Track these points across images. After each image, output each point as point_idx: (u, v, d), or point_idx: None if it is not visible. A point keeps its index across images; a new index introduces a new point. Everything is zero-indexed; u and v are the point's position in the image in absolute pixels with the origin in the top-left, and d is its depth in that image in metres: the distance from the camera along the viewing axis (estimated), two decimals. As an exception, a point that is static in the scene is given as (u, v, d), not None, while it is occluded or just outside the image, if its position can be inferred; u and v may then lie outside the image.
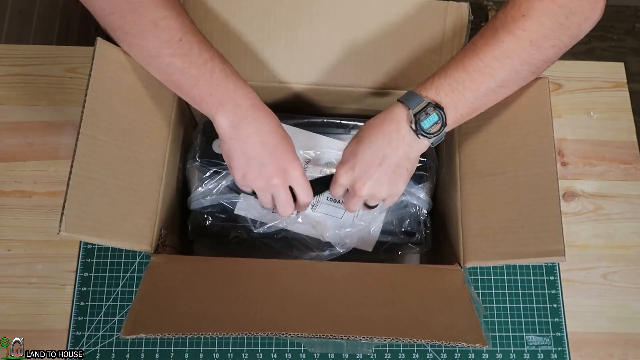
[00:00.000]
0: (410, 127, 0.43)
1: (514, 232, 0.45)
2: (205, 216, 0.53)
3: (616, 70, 0.69)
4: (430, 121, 0.43)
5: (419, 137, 0.44)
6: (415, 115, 0.43)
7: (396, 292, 0.45)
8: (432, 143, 0.45)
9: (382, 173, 0.45)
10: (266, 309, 0.41)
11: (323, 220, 0.53)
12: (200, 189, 0.53)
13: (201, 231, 0.53)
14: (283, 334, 0.37)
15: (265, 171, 0.45)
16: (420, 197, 0.54)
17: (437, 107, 0.43)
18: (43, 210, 0.60)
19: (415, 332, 0.39)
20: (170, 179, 0.50)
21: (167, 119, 0.50)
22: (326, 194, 0.53)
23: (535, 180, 0.46)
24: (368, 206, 0.50)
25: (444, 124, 0.43)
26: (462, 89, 0.43)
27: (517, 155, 0.47)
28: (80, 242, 0.59)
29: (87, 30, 1.24)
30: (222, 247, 0.54)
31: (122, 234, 0.44)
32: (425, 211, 0.55)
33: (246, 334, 0.37)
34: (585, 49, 1.40)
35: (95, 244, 0.59)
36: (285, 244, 0.53)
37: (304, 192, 0.47)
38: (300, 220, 0.53)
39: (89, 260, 0.59)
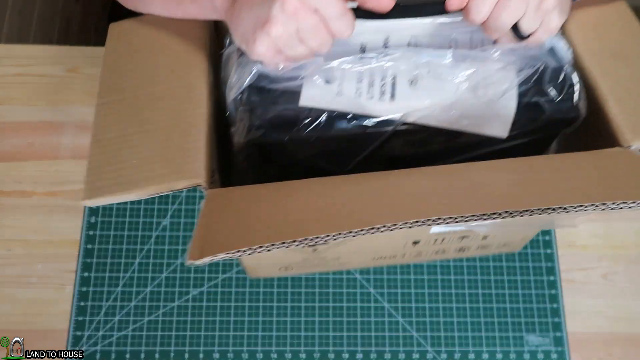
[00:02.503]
0: None
1: None
2: (251, 108, 0.37)
3: (616, 70, 0.69)
4: None
5: None
6: None
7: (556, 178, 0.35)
8: None
9: None
10: (373, 207, 0.33)
11: (428, 96, 0.37)
12: (240, 67, 0.38)
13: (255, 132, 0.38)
14: (416, 222, 0.30)
15: (279, 9, 0.33)
16: (559, 45, 0.39)
17: None
18: (43, 210, 0.60)
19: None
20: (207, 110, 0.41)
21: (198, 54, 0.42)
22: (429, 66, 0.37)
23: None
24: (516, 33, 0.37)
25: None
26: None
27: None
28: (80, 242, 0.59)
29: (87, 30, 1.24)
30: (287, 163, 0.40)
31: (157, 178, 0.36)
32: (570, 65, 0.39)
33: (347, 232, 0.30)
34: (585, 49, 1.39)
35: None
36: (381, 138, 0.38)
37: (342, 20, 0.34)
38: (393, 106, 0.37)
39: (89, 260, 0.59)
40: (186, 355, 0.56)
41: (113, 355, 0.56)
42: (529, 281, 0.59)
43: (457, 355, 0.57)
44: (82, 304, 0.57)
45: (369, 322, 0.57)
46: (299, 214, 0.33)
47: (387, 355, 0.57)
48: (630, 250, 0.62)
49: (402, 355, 0.57)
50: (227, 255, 0.30)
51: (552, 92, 0.37)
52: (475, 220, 0.30)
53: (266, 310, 0.58)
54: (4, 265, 0.58)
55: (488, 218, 0.30)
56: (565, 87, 0.37)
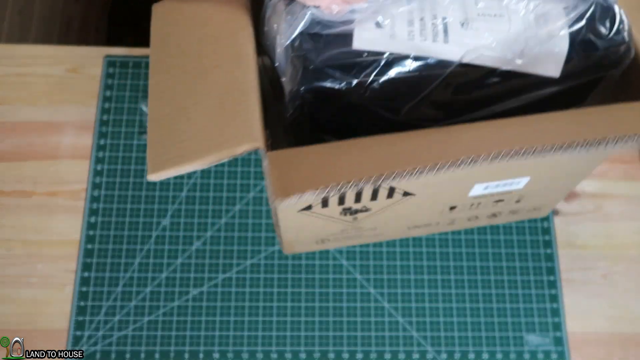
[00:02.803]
0: None
1: None
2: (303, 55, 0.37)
3: (616, 70, 0.69)
4: None
5: None
6: None
7: None
8: None
9: None
10: (436, 151, 0.33)
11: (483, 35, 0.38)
12: (290, 15, 0.38)
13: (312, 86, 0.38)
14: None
15: None
16: None
17: None
18: (43, 210, 0.60)
19: None
20: (256, 76, 0.41)
21: (241, 19, 0.42)
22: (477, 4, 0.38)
23: None
24: None
25: None
26: None
27: None
28: (80, 242, 0.59)
29: (87, 30, 1.24)
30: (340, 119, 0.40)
31: (217, 146, 0.36)
32: (616, 3, 0.39)
33: (420, 169, 0.31)
34: (585, 49, 1.39)
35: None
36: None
37: None
38: (447, 47, 0.37)
39: (89, 260, 0.59)
40: (186, 355, 0.56)
41: (113, 355, 0.56)
42: (529, 281, 0.59)
43: (457, 355, 0.57)
44: (82, 304, 0.57)
45: (369, 322, 0.58)
46: (368, 162, 0.33)
47: (387, 355, 0.57)
48: (630, 250, 0.62)
49: (402, 355, 0.57)
50: (314, 193, 0.30)
51: (603, 29, 0.37)
52: (539, 152, 0.32)
53: (266, 310, 0.58)
54: (4, 265, 0.58)
55: (553, 150, 0.32)
56: (615, 24, 0.37)
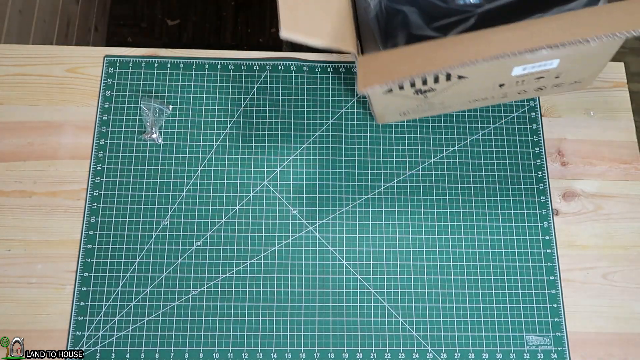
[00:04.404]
0: None
1: None
2: None
3: (616, 70, 0.69)
4: None
5: None
6: None
7: None
8: None
9: None
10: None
11: None
12: None
13: None
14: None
15: None
16: None
17: None
18: (43, 210, 0.60)
19: None
20: None
21: None
22: None
23: None
24: None
25: None
26: None
27: None
28: (80, 242, 0.59)
29: (87, 30, 1.24)
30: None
31: (329, 36, 0.51)
32: None
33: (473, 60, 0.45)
34: (585, 49, 1.39)
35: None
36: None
37: None
38: None
39: (89, 260, 0.59)
40: (186, 355, 0.56)
41: (113, 355, 0.56)
42: (529, 281, 0.59)
43: (457, 355, 0.57)
44: (82, 304, 0.57)
45: (369, 322, 0.58)
46: (430, 59, 0.48)
47: (387, 355, 0.57)
48: (630, 250, 0.62)
49: (402, 355, 0.57)
50: (386, 84, 0.47)
51: None
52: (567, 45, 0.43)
53: (266, 310, 0.58)
54: (4, 265, 0.58)
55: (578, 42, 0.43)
56: None
